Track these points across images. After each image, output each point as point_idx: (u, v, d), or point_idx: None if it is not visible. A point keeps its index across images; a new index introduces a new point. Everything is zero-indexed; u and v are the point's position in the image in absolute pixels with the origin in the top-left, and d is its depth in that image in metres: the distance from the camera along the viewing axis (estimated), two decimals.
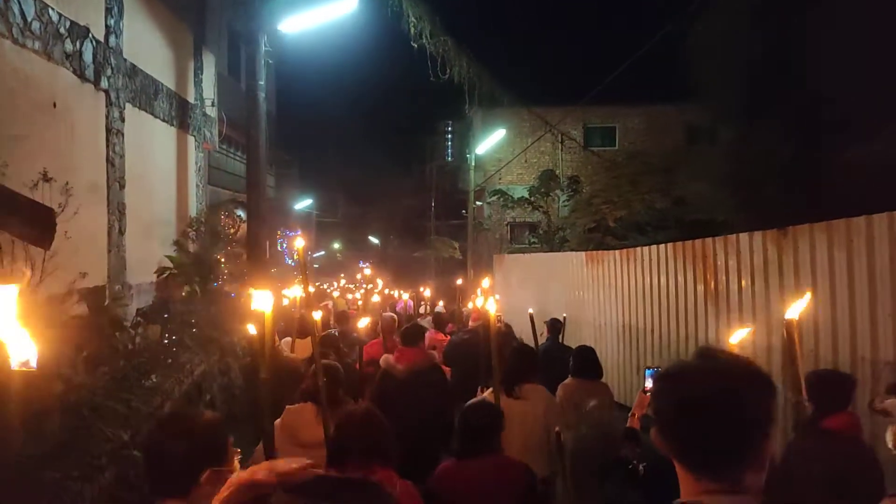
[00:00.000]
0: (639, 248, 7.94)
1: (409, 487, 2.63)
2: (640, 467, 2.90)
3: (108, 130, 7.30)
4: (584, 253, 9.67)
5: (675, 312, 7.11)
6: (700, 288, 6.64)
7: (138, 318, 7.27)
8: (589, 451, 3.31)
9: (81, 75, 6.65)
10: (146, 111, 8.46)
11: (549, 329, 6.84)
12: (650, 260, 7.64)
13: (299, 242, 3.81)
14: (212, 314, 9.28)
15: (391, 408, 3.30)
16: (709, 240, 6.45)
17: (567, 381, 4.67)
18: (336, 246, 38.45)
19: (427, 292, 16.11)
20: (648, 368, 3.46)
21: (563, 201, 15.32)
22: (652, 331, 7.57)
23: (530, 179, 18.82)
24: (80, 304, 6.27)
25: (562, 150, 19.55)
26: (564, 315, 7.36)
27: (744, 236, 5.91)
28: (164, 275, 7.84)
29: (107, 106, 7.27)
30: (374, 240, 38.40)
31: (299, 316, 6.97)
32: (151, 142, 8.76)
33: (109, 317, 6.11)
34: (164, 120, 9.09)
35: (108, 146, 7.29)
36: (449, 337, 6.98)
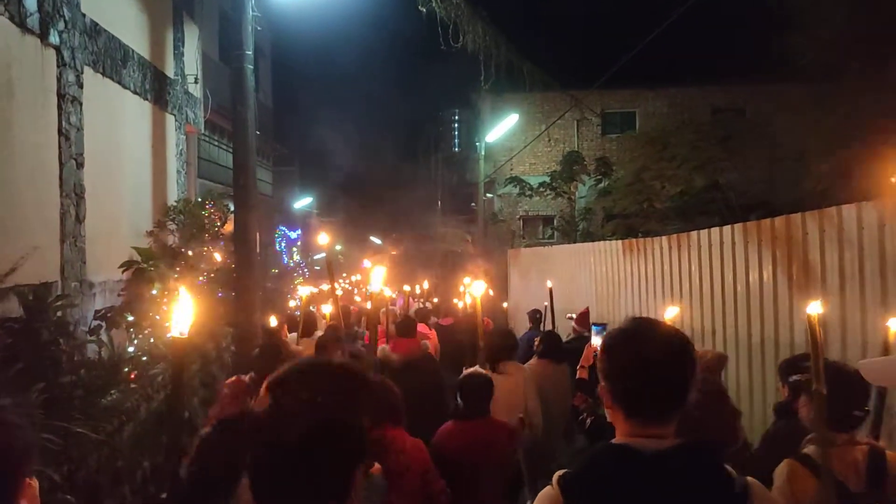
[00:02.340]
0: (694, 233, 6.70)
1: (419, 443, 3.21)
2: (588, 420, 3.26)
3: (61, 96, 6.08)
4: (620, 241, 8.42)
5: (745, 310, 5.87)
6: (782, 278, 5.39)
7: (97, 322, 6.06)
8: None
9: (21, 24, 5.44)
10: (112, 79, 7.25)
11: (530, 319, 7.82)
12: (709, 246, 6.39)
13: (323, 238, 4.07)
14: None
15: None
16: (796, 216, 5.20)
17: (531, 361, 5.28)
18: (338, 248, 37.26)
19: (425, 286, 15.09)
20: (595, 325, 3.85)
21: (590, 186, 13.99)
22: (713, 332, 6.33)
23: (543, 170, 17.58)
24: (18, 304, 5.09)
25: (578, 136, 18.33)
26: (546, 304, 7.82)
27: (849, 209, 4.67)
28: (130, 269, 6.62)
29: (58, 66, 6.05)
30: (375, 240, 37.19)
31: (304, 315, 6.86)
32: (120, 116, 7.55)
33: (52, 320, 4.89)
34: (135, 92, 7.88)
35: (60, 115, 6.07)
36: (432, 329, 7.64)
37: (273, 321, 6.36)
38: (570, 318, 7.39)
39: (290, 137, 26.80)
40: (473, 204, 18.91)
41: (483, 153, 16.54)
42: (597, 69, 14.90)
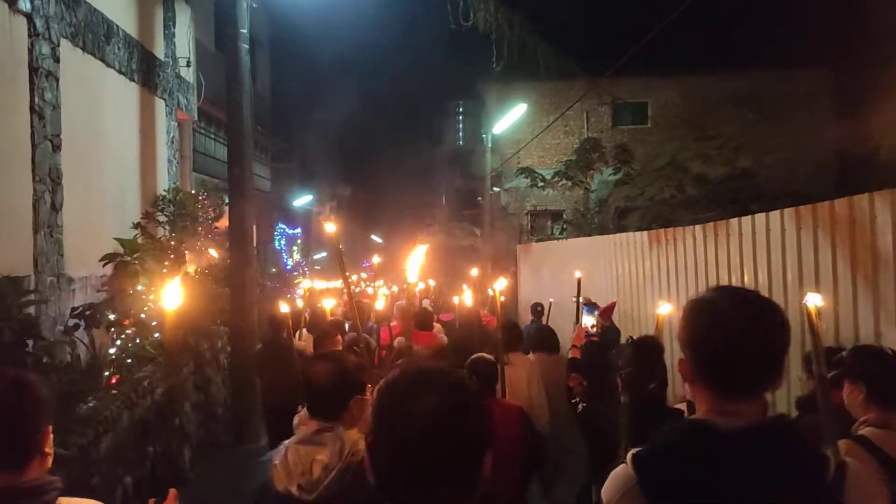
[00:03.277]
0: (734, 220, 6.07)
1: None
2: (580, 406, 3.56)
3: (33, 69, 5.47)
4: (645, 232, 7.81)
5: (796, 302, 5.24)
6: (843, 267, 4.78)
7: (75, 321, 5.45)
8: None
9: None
10: (94, 56, 6.63)
11: (532, 313, 7.95)
12: (753, 234, 5.78)
13: (330, 227, 3.83)
14: (185, 314, 7.49)
15: None
16: (861, 197, 4.58)
17: (528, 356, 5.34)
18: (340, 247, 36.65)
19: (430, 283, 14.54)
20: (586, 306, 3.95)
21: (608, 175, 13.27)
22: None
23: (552, 163, 16.94)
24: None
25: (588, 127, 17.68)
26: (551, 300, 8.28)
27: None
28: (112, 262, 6.00)
29: (30, 36, 5.44)
30: (376, 239, 36.57)
31: (310, 310, 6.86)
32: (103, 96, 6.94)
33: (18, 319, 4.28)
34: (120, 72, 7.26)
35: (33, 90, 5.46)
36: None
37: (284, 307, 5.83)
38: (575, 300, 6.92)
39: (290, 132, 26.16)
40: (480, 198, 18.29)
41: (490, 145, 15.94)
42: (606, 57, 14.35)
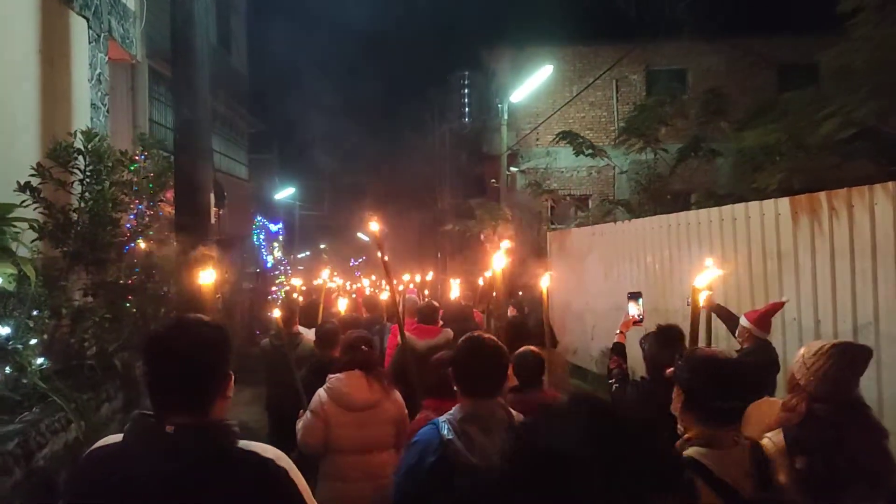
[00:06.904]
0: None
1: None
2: (614, 386, 3.57)
3: None
4: (785, 200, 5.42)
5: None
6: None
7: None
8: None
9: None
10: None
11: (514, 307, 7.61)
12: None
13: (374, 226, 4.04)
14: (112, 324, 5.07)
15: (409, 377, 3.88)
16: None
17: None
18: (322, 246, 34.86)
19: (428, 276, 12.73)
20: (631, 293, 3.94)
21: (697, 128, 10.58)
22: None
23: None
24: None
25: (617, 99, 15.37)
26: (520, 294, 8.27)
27: None
28: None
29: None
30: (363, 237, 34.10)
31: (306, 304, 6.65)
32: None
33: None
34: None
35: None
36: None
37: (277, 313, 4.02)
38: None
39: (269, 117, 23.60)
40: (494, 181, 15.90)
41: (506, 117, 13.57)
42: (642, 18, 12.11)
